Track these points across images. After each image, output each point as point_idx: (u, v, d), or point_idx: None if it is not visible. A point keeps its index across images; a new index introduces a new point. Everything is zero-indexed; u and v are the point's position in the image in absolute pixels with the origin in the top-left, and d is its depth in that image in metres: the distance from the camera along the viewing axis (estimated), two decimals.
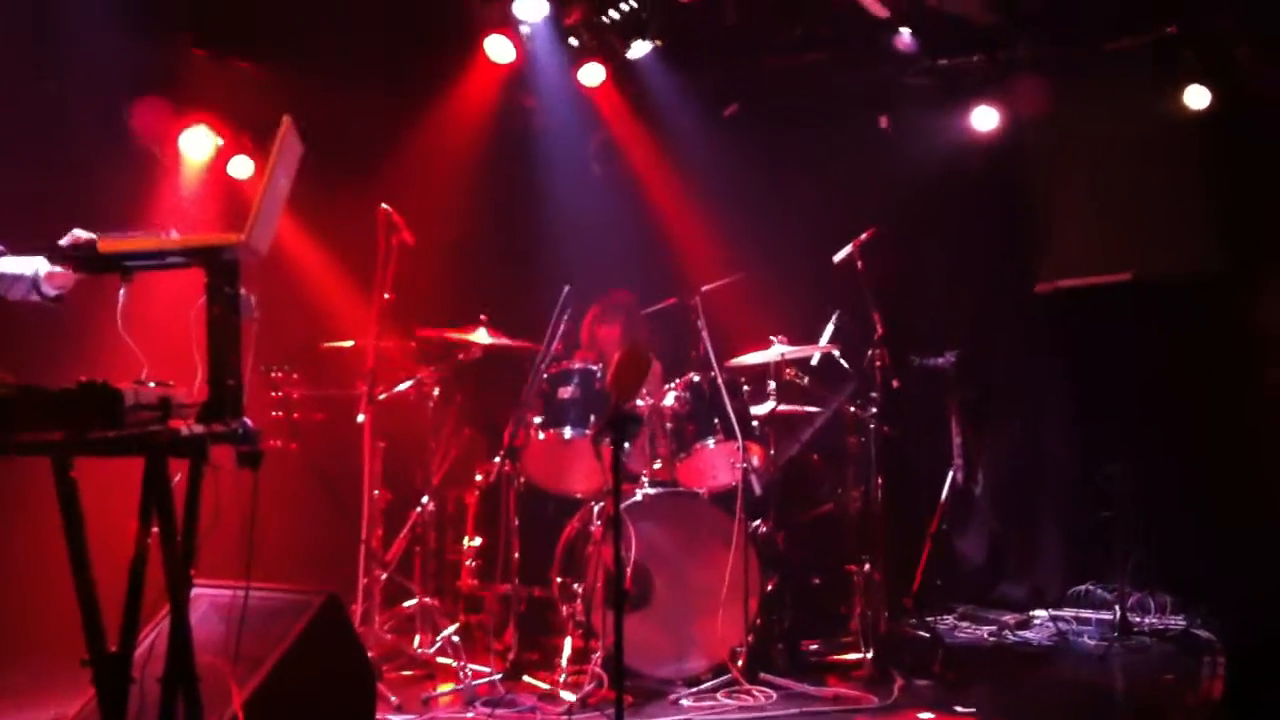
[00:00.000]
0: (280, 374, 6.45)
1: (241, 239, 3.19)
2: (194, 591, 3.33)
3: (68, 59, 6.26)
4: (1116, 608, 6.80)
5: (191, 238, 3.30)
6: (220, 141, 7.19)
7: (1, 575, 6.09)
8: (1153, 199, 7.56)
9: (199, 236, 3.31)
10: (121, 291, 3.34)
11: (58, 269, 3.53)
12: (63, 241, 3.36)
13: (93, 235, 3.32)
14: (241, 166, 7.29)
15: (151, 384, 3.03)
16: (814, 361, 6.81)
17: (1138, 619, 6.85)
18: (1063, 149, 7.93)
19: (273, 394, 6.39)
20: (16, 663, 5.88)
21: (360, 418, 6.08)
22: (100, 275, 3.40)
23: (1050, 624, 7.05)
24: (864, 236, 6.47)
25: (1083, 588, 7.35)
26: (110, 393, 2.85)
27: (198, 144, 7.12)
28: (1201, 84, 7.25)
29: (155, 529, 3.12)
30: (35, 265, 3.57)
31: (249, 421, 3.21)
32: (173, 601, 3.16)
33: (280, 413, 6.31)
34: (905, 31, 7.37)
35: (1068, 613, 7.26)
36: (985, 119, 7.90)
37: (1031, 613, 7.36)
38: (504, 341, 6.42)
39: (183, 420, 3.05)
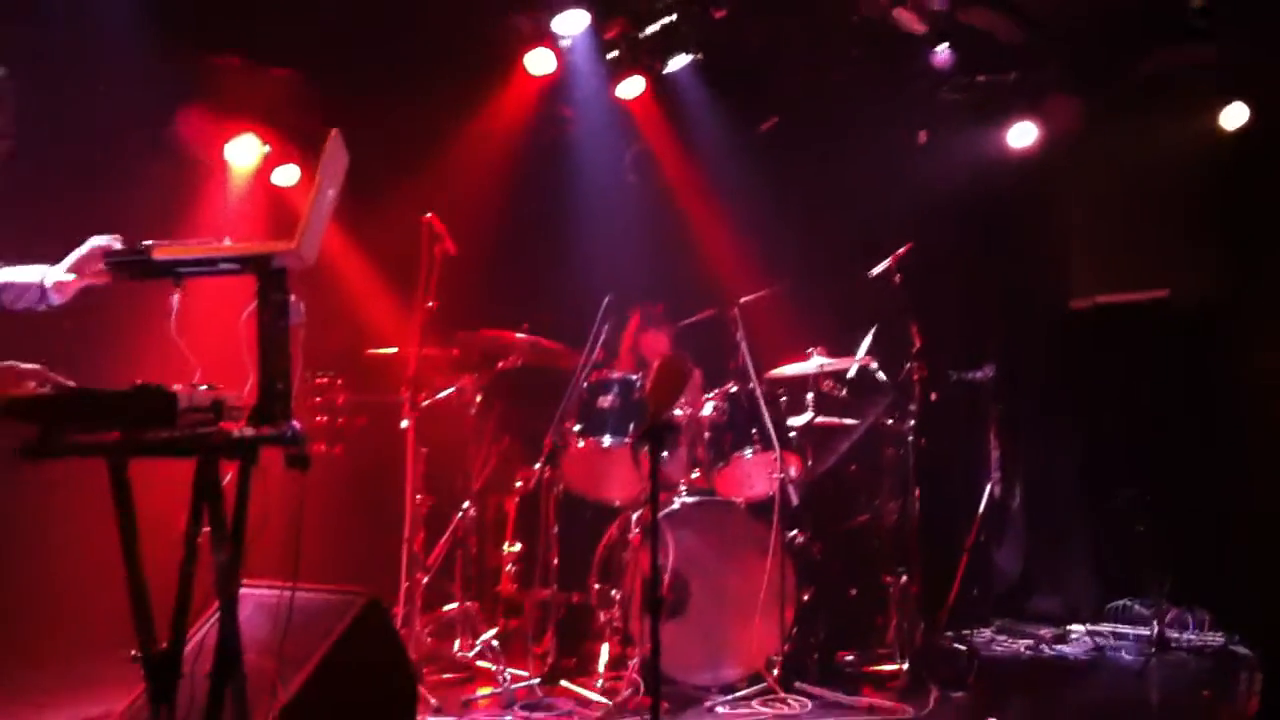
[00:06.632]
0: (324, 379, 6.55)
1: (292, 247, 3.26)
2: (240, 591, 3.38)
3: (114, 69, 6.37)
4: (1154, 623, 6.77)
5: (244, 245, 3.37)
6: (266, 150, 7.30)
7: (54, 573, 6.21)
8: (1184, 219, 7.55)
9: (251, 244, 3.38)
10: (175, 297, 3.40)
11: (66, 278, 3.59)
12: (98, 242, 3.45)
13: (109, 238, 3.42)
14: (286, 175, 7.40)
15: (203, 387, 3.09)
16: (851, 374, 6.83)
17: (1175, 635, 6.82)
18: (1096, 166, 7.93)
19: (316, 399, 6.48)
20: (68, 658, 6.00)
21: (404, 424, 6.16)
22: (153, 281, 3.48)
23: (1087, 639, 7.03)
24: (901, 251, 6.49)
25: (1120, 603, 7.33)
26: (165, 395, 2.92)
27: (244, 152, 7.23)
28: (1236, 104, 7.24)
29: (205, 529, 3.20)
30: (43, 274, 3.61)
31: (297, 424, 3.26)
32: (222, 600, 3.22)
33: (324, 417, 6.40)
34: (942, 48, 7.39)
35: (1105, 628, 7.23)
36: (1022, 135, 7.90)
37: (1068, 627, 7.33)
38: (546, 345, 6.49)
39: (234, 422, 3.11)
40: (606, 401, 6.14)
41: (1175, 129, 7.58)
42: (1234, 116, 7.29)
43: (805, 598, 6.03)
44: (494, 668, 5.86)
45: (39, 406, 2.89)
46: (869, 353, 6.65)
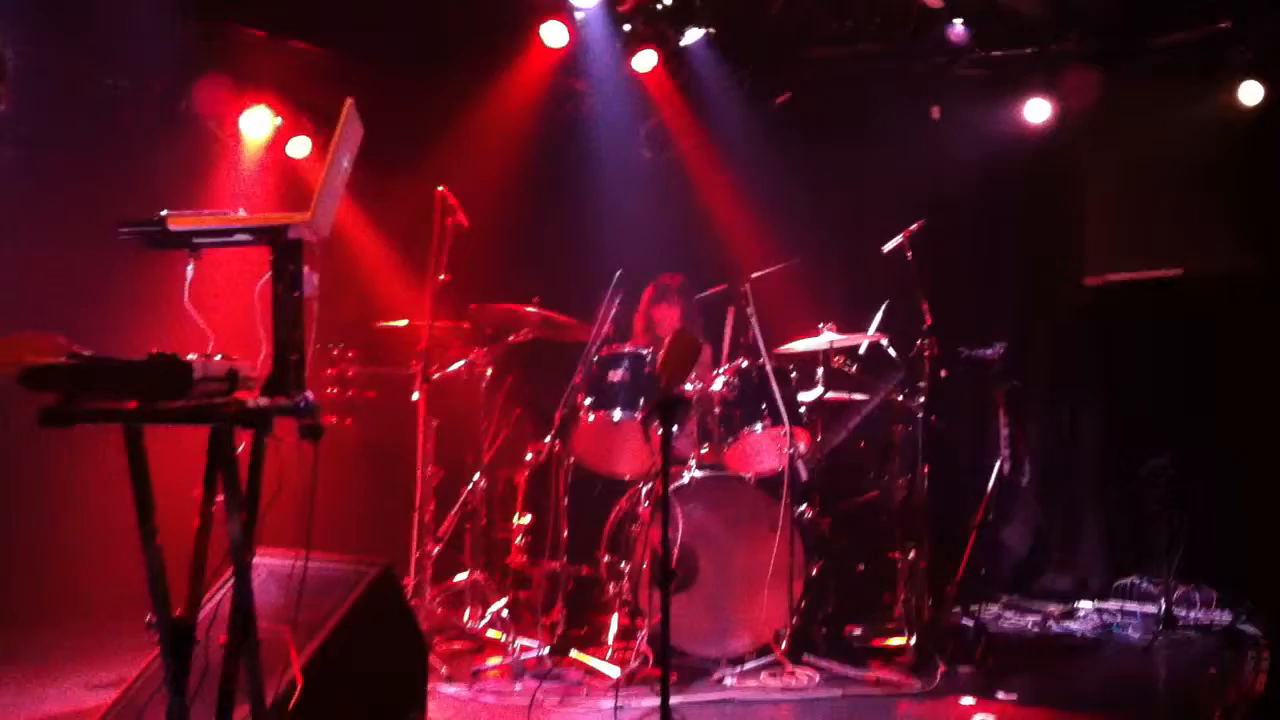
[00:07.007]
0: (336, 351, 6.57)
1: (306, 218, 3.27)
2: (253, 560, 3.41)
3: (128, 40, 6.38)
4: (1161, 601, 6.78)
5: (259, 216, 3.37)
6: (279, 121, 7.31)
7: (69, 540, 6.27)
8: (1200, 195, 7.52)
9: (266, 215, 3.39)
10: (190, 267, 3.41)
11: None
12: None
13: None
14: (299, 146, 7.40)
15: (218, 357, 3.11)
16: (862, 350, 6.83)
17: (1182, 612, 6.83)
18: (1111, 142, 7.89)
19: (328, 371, 6.51)
20: (83, 625, 6.06)
21: (415, 396, 6.18)
22: (167, 252, 3.50)
23: (1094, 615, 7.04)
24: (914, 227, 6.47)
25: (1128, 580, 7.34)
26: (180, 365, 2.93)
27: (257, 124, 7.24)
28: (1254, 80, 7.20)
29: (219, 498, 3.23)
30: None
31: (310, 395, 3.28)
32: (236, 568, 3.25)
33: (336, 389, 6.43)
34: (958, 22, 7.35)
35: (1112, 605, 7.25)
36: (1037, 111, 7.86)
37: (1076, 604, 7.35)
38: (557, 319, 6.50)
39: (248, 393, 3.13)
40: (617, 375, 6.14)
41: (1193, 105, 7.53)
42: (1252, 92, 7.25)
43: (813, 572, 6.05)
44: (503, 638, 5.90)
45: (57, 375, 2.91)
46: (880, 329, 6.65)
